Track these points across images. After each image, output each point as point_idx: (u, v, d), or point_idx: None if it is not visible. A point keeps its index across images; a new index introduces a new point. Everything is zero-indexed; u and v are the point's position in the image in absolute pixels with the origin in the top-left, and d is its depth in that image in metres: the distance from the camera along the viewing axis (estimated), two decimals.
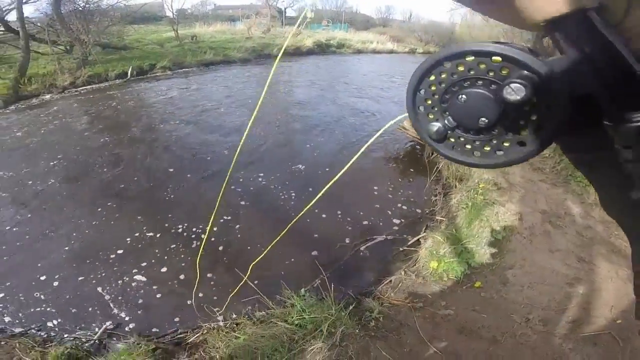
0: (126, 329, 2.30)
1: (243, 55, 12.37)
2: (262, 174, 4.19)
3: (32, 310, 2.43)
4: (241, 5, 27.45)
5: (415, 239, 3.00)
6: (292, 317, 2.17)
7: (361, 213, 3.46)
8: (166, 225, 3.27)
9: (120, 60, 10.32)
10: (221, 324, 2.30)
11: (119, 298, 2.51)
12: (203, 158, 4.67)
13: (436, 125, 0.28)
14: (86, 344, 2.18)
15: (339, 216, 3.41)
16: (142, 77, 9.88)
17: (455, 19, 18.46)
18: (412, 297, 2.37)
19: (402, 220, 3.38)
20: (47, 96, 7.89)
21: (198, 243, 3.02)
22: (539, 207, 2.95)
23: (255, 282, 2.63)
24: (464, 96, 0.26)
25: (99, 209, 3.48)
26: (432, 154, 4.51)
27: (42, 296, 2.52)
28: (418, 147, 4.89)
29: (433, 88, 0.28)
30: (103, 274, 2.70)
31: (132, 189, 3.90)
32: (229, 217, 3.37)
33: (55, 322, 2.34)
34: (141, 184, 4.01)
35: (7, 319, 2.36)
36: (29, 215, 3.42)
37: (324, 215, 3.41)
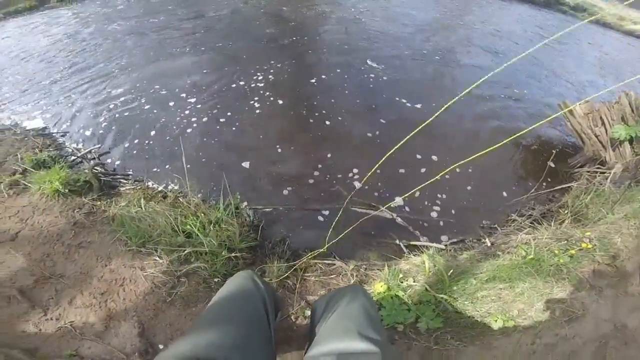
0: (110, 161, 2.69)
1: None
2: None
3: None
4: None
5: (422, 243, 2.21)
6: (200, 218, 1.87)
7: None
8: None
9: None
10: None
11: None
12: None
13: None
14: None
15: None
16: None
17: None
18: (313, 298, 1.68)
19: (449, 219, 2.48)
20: None
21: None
22: (627, 322, 1.60)
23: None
24: None
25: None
26: (580, 166, 2.92)
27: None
28: (569, 146, 3.31)
29: None
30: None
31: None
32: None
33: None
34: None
35: None
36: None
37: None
